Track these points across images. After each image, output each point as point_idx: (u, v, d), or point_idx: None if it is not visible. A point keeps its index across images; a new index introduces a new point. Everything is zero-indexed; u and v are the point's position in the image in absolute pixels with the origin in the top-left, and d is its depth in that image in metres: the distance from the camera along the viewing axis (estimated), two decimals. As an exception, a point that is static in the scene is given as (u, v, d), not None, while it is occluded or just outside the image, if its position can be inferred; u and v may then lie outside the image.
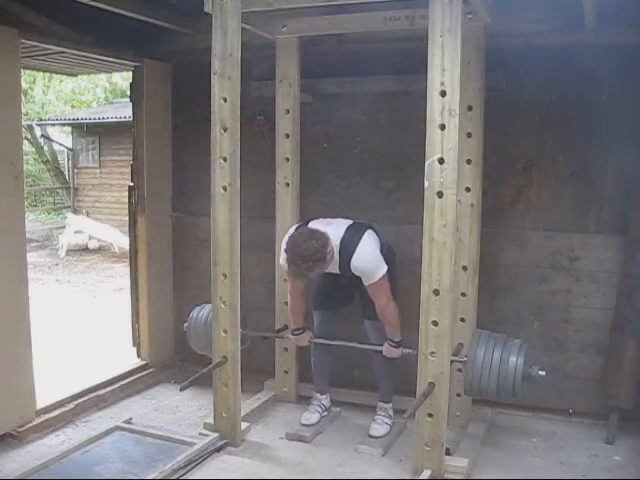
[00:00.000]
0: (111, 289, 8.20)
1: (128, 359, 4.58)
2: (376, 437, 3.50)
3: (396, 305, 3.36)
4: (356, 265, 3.27)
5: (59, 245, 11.33)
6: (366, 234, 3.32)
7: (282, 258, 3.39)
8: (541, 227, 3.80)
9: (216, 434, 3.41)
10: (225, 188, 3.22)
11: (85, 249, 11.50)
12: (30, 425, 3.51)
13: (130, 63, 4.33)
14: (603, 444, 3.50)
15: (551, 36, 3.52)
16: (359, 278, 3.34)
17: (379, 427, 3.55)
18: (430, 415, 2.97)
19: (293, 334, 3.70)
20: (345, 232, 3.31)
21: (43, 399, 3.69)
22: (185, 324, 3.83)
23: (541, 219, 3.80)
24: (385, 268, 3.28)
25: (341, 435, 3.61)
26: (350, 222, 3.40)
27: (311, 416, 3.68)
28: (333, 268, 3.36)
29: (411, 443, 3.17)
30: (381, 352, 3.46)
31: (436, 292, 2.88)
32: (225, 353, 3.34)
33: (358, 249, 3.25)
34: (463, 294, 3.51)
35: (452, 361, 3.08)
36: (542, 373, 3.08)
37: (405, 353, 3.36)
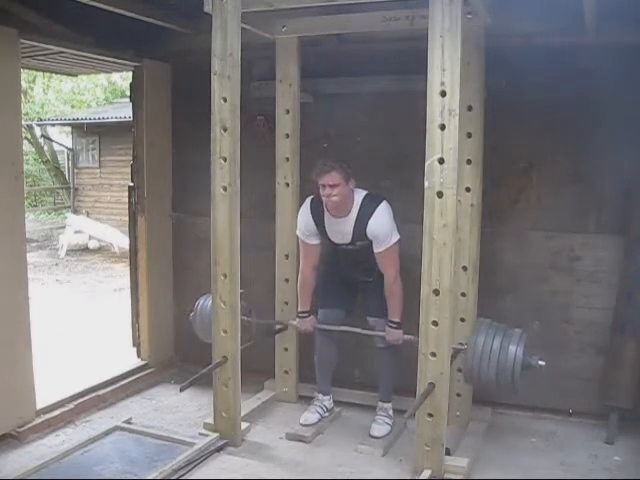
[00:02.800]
0: (111, 289, 8.19)
1: (128, 359, 4.58)
2: (377, 437, 3.50)
3: (402, 285, 3.42)
4: (373, 226, 3.36)
5: (59, 245, 11.32)
6: (383, 202, 3.42)
7: (298, 229, 3.61)
8: (541, 227, 3.80)
9: (216, 434, 3.41)
10: (225, 188, 3.22)
11: (85, 249, 11.48)
12: (30, 425, 3.51)
13: (130, 63, 4.33)
14: (603, 444, 3.51)
15: (551, 36, 3.52)
16: (365, 270, 3.47)
17: (380, 427, 3.55)
18: (430, 415, 2.97)
19: (299, 316, 3.72)
20: (364, 197, 3.43)
21: (43, 399, 3.69)
22: (191, 313, 3.82)
23: (541, 219, 3.80)
24: (398, 237, 3.39)
25: (341, 435, 3.61)
26: (366, 192, 3.48)
27: (310, 416, 3.68)
28: (345, 228, 3.41)
29: (411, 443, 3.17)
30: (385, 349, 3.49)
31: (436, 292, 2.88)
32: (225, 353, 3.34)
33: (376, 212, 3.37)
34: (463, 294, 3.51)
35: (454, 349, 3.09)
36: (542, 363, 3.08)
37: (407, 339, 3.37)
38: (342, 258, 3.61)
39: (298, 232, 3.63)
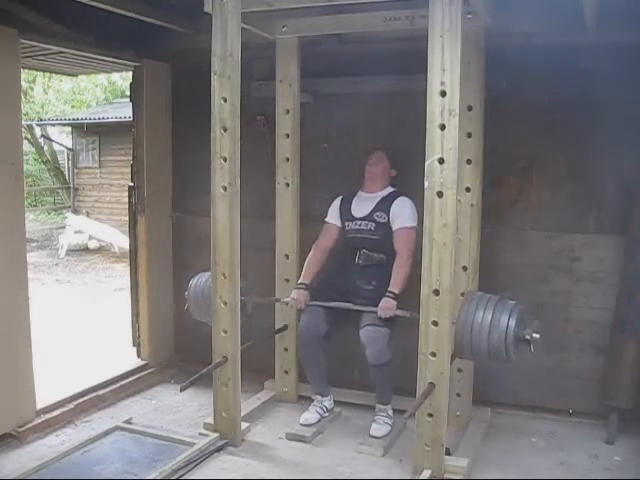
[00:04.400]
0: (111, 289, 8.20)
1: (128, 359, 4.58)
2: (377, 437, 3.50)
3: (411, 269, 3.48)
4: (398, 204, 3.62)
5: (59, 245, 11.32)
6: (407, 196, 3.66)
7: (329, 215, 3.85)
8: (541, 227, 3.80)
9: (216, 434, 3.41)
10: (225, 188, 3.22)
11: (85, 249, 11.49)
12: (30, 425, 3.50)
13: (130, 63, 4.33)
14: (603, 444, 3.50)
15: (551, 36, 3.51)
16: (366, 276, 3.56)
17: (380, 427, 3.55)
18: (430, 415, 2.97)
19: (296, 287, 3.73)
20: (394, 190, 3.74)
21: (43, 399, 3.69)
22: (185, 293, 3.80)
23: (541, 219, 3.80)
24: (416, 224, 3.53)
25: (341, 435, 3.61)
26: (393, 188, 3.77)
27: (310, 416, 3.68)
28: (370, 202, 3.68)
29: (411, 443, 3.16)
30: (378, 366, 3.47)
31: (436, 292, 2.88)
32: (225, 353, 3.34)
33: (402, 197, 3.67)
34: (463, 294, 3.51)
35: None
36: (537, 336, 2.95)
37: (400, 314, 3.36)
38: (349, 255, 3.66)
39: (327, 218, 3.86)
